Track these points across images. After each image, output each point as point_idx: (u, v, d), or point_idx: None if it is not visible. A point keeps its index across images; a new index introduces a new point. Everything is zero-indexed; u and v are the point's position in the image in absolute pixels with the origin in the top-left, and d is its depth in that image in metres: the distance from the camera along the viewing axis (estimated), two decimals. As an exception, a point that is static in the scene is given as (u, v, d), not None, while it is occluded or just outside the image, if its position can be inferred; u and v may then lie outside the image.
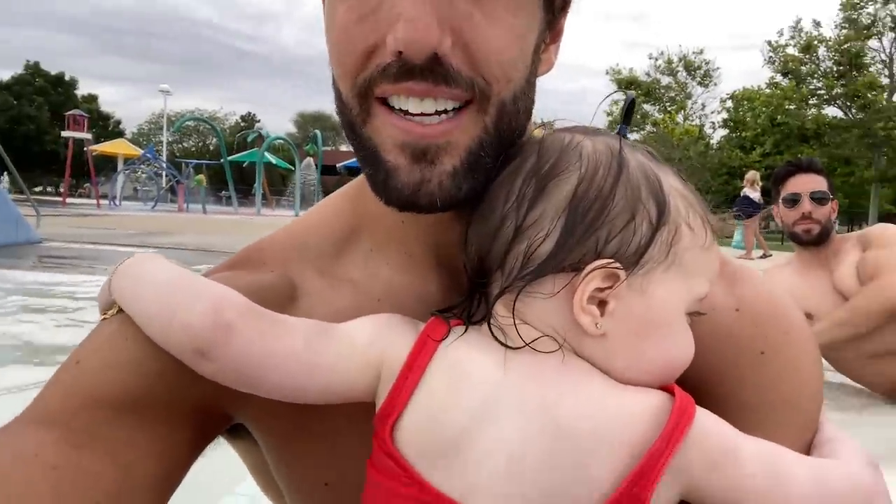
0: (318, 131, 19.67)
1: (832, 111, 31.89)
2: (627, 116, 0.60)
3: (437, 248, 0.65)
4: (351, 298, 0.65)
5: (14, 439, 0.52)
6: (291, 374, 0.54)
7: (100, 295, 0.62)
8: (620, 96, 0.64)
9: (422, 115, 0.54)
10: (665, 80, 36.71)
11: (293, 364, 0.54)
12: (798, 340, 0.64)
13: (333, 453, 0.65)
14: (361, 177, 0.67)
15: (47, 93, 46.59)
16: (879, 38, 30.51)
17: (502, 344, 0.51)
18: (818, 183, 2.79)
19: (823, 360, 2.99)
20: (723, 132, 37.31)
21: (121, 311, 0.58)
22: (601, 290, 0.50)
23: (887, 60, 30.61)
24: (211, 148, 54.91)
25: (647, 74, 36.49)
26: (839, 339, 2.63)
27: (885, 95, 30.22)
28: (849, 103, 30.77)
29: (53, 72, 49.22)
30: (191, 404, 0.59)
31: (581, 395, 0.50)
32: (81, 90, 52.75)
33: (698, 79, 36.81)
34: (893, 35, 30.15)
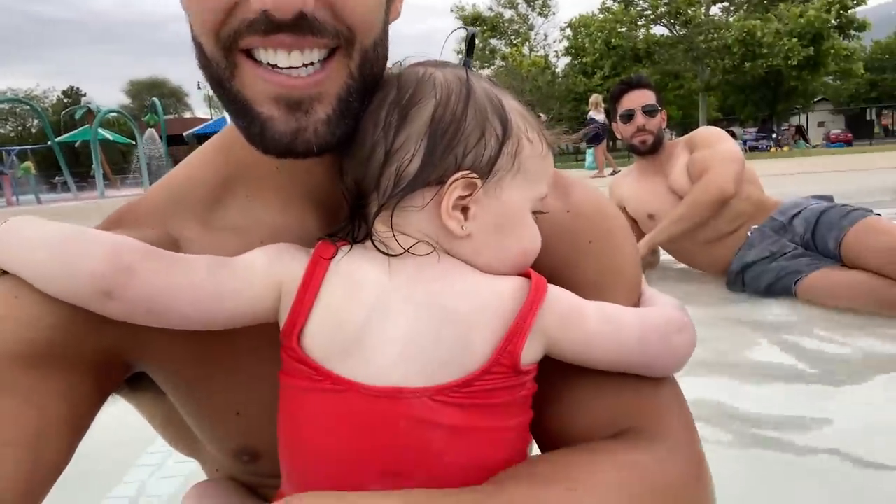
0: (155, 99, 18.18)
1: (660, 30, 34.14)
2: (469, 50, 0.69)
3: (312, 188, 0.70)
4: (235, 245, 0.67)
5: None
6: (198, 303, 0.59)
7: None
8: (462, 32, 0.71)
9: (290, 68, 0.57)
10: (508, 13, 37.44)
11: (199, 293, 0.59)
12: (616, 228, 0.78)
13: (239, 381, 0.70)
14: (228, 127, 0.72)
15: None
16: (693, -43, 32.77)
17: (385, 253, 0.59)
18: (648, 97, 3.05)
19: (665, 252, 3.35)
20: (566, 60, 38.91)
21: (2, 273, 0.60)
22: (463, 197, 0.59)
23: (701, -23, 33.04)
24: (34, 131, 49.14)
25: (490, 9, 36.99)
26: (679, 233, 2.95)
27: (703, 10, 32.75)
28: (672, 21, 33.06)
29: None
30: (91, 354, 0.62)
31: (458, 284, 0.60)
32: None
33: (538, 9, 37.87)
34: (704, -47, 32.50)
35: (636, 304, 0.74)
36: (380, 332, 0.57)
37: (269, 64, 0.58)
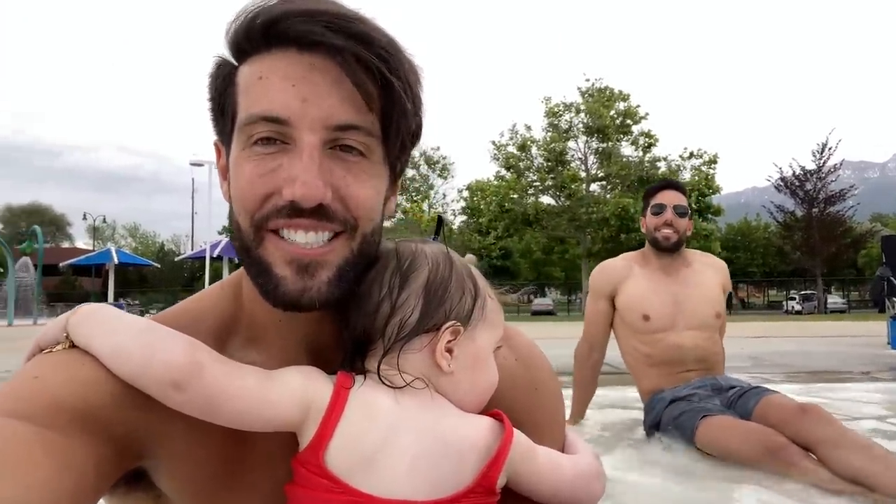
0: (37, 227, 17.24)
1: (547, 199, 37.36)
2: (438, 230, 0.94)
3: (307, 338, 0.83)
4: None
5: None
6: (245, 407, 0.70)
7: (45, 334, 0.74)
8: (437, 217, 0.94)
9: (305, 244, 0.73)
10: (410, 172, 39.83)
11: (248, 398, 0.70)
12: (551, 378, 0.95)
13: (242, 488, 0.79)
14: (240, 273, 0.85)
15: None
16: (576, 140, 37.07)
17: (392, 387, 0.73)
18: (681, 199, 3.14)
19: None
20: (462, 218, 41.31)
21: (71, 346, 0.71)
22: (450, 342, 0.76)
23: (583, 158, 37.16)
24: None
25: (393, 167, 39.24)
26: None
27: (584, 186, 36.45)
28: (558, 193, 36.46)
29: None
30: (124, 431, 0.70)
31: (448, 418, 0.74)
32: None
33: (438, 171, 40.65)
34: (585, 138, 36.86)
35: (563, 445, 0.90)
36: (391, 453, 0.69)
37: (288, 240, 0.73)
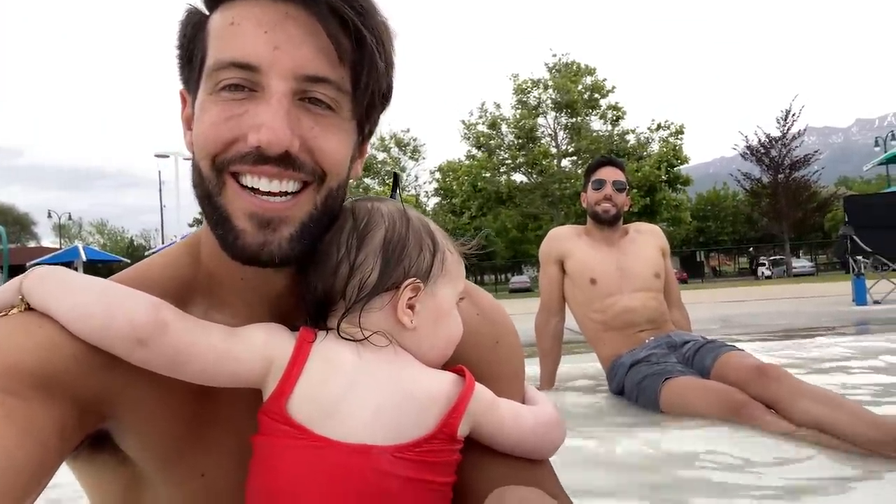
0: (0, 227, 16.81)
1: (519, 177, 37.48)
2: (395, 188, 0.95)
3: (269, 296, 0.82)
4: None
5: None
6: (210, 363, 0.71)
7: None
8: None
9: (269, 193, 0.71)
10: (381, 155, 39.59)
11: (211, 354, 0.71)
12: (512, 332, 0.97)
13: (209, 445, 0.79)
14: (198, 233, 0.84)
15: None
16: (545, 117, 37.14)
17: (354, 340, 0.74)
18: (619, 175, 3.33)
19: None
20: (436, 200, 41.25)
21: (27, 309, 0.70)
22: (410, 298, 0.76)
23: (553, 134, 37.29)
24: None
25: (364, 151, 38.90)
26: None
27: (555, 162, 36.62)
28: (530, 170, 36.58)
29: None
30: (86, 393, 0.69)
31: (411, 371, 0.76)
32: None
33: (409, 154, 40.45)
34: (554, 114, 36.96)
35: (523, 397, 0.91)
36: (353, 401, 0.70)
37: (252, 188, 0.71)
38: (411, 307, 0.76)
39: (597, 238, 3.38)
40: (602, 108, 37.34)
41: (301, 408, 0.70)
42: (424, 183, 41.89)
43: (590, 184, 3.38)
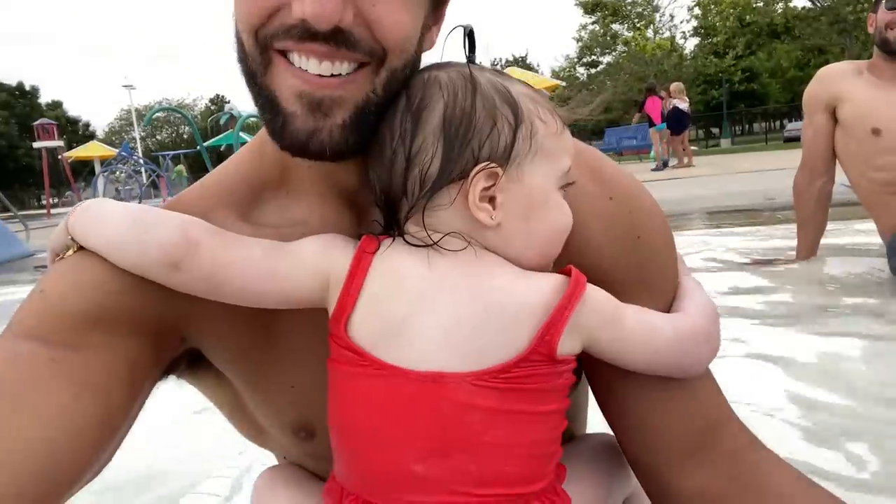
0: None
1: (800, 2, 31.44)
2: (471, 45, 0.73)
3: (346, 187, 0.73)
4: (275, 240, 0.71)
5: (4, 344, 0.62)
6: (252, 280, 0.65)
7: (53, 241, 0.70)
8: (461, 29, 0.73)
9: (319, 76, 0.61)
10: (630, -5, 36.02)
11: (253, 271, 0.65)
12: (661, 224, 0.78)
13: (292, 357, 0.75)
14: (263, 131, 0.73)
15: (10, 106, 45.51)
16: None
17: (423, 245, 0.62)
18: None
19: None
20: (695, 41, 36.86)
21: (79, 250, 0.67)
22: (487, 188, 0.61)
23: (850, -59, 29.99)
24: (185, 137, 53.97)
25: (611, -8, 35.73)
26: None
27: (852, -22, 29.73)
28: (816, -9, 30.31)
29: (11, 83, 47.95)
30: (151, 323, 0.67)
31: (498, 279, 0.63)
32: (44, 98, 51.63)
33: (662, -11, 36.09)
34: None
35: (672, 301, 0.76)
36: (422, 321, 0.61)
37: (300, 68, 0.61)
38: (491, 199, 0.62)
39: (886, 75, 2.65)
40: None
41: (363, 330, 0.62)
42: (681, 22, 37.48)
43: (883, 1, 2.61)
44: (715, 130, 35.53)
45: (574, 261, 0.68)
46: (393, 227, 0.66)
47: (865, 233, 3.29)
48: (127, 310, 0.65)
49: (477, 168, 0.61)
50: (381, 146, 0.65)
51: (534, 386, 0.61)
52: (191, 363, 0.79)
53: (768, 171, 8.75)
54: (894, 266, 2.64)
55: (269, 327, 0.73)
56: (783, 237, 3.66)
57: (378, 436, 0.61)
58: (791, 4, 31.30)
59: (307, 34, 0.59)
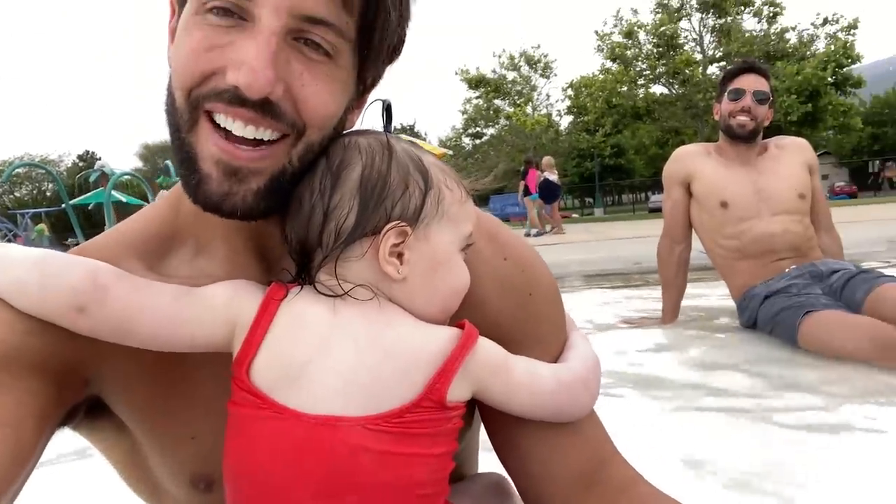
0: (168, 162, 18.59)
1: (658, 89, 34.95)
2: (388, 119, 0.79)
3: (257, 241, 0.76)
4: None
5: None
6: (162, 326, 0.66)
7: None
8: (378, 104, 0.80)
9: (242, 139, 0.64)
10: (511, 75, 38.48)
11: (162, 317, 0.65)
12: (551, 285, 0.85)
13: (195, 407, 0.75)
14: (178, 185, 0.76)
15: None
16: (689, 20, 33.89)
17: (331, 295, 0.66)
18: (762, 84, 2.92)
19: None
20: (569, 118, 39.74)
21: None
22: (397, 245, 0.66)
23: (698, 38, 34.05)
24: (48, 194, 50.14)
25: (494, 72, 38.04)
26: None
27: (700, 70, 33.59)
28: (671, 80, 33.84)
29: None
30: (55, 364, 0.66)
31: (398, 328, 0.66)
32: None
33: (539, 71, 38.93)
34: (700, 16, 33.62)
35: (560, 352, 0.82)
36: (322, 366, 0.63)
37: (224, 129, 0.64)
38: (399, 255, 0.67)
39: (730, 156, 3.00)
40: (756, 5, 33.29)
41: (264, 374, 0.64)
42: (556, 101, 40.45)
43: (725, 93, 2.98)
44: (589, 200, 38.15)
45: (470, 315, 0.72)
46: (303, 276, 0.69)
47: (718, 296, 3.64)
48: (32, 351, 0.65)
49: (389, 225, 0.66)
50: (299, 201, 0.69)
51: (424, 430, 0.64)
52: (89, 412, 0.77)
53: (637, 238, 9.44)
54: (743, 321, 2.94)
55: (173, 375, 0.73)
56: (650, 298, 3.93)
57: (272, 479, 0.61)
58: (651, 90, 34.75)
59: (237, 100, 0.63)
